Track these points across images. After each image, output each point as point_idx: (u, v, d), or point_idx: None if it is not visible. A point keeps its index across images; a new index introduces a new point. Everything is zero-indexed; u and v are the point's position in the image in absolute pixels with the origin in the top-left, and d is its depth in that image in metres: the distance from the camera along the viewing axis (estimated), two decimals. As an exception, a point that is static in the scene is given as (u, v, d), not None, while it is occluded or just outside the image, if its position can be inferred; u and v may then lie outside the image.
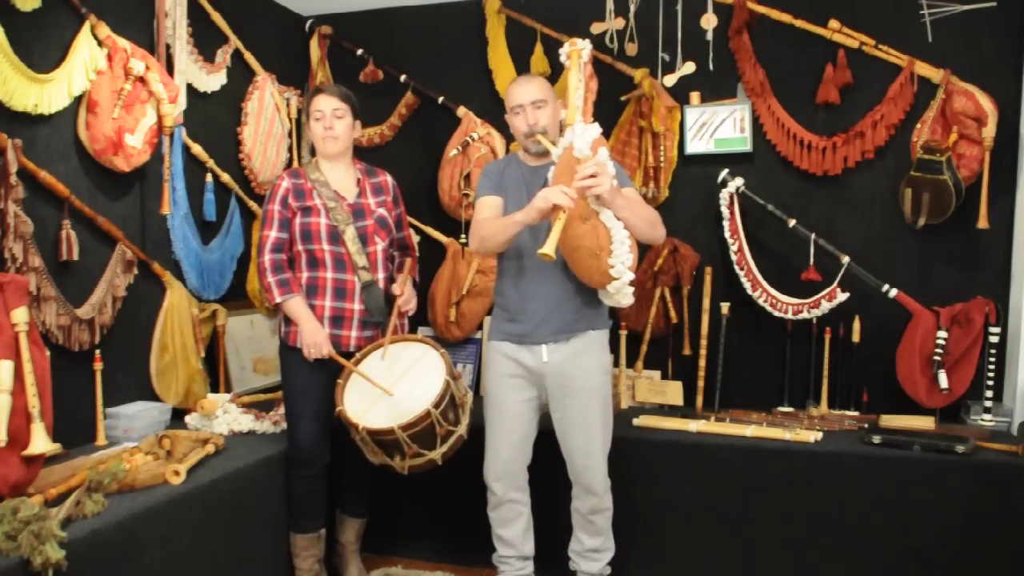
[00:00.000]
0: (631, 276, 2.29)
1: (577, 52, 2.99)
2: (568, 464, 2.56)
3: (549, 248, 2.15)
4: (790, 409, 3.22)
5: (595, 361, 2.50)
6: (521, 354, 2.51)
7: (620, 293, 2.32)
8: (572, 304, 2.46)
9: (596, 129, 2.31)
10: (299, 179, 2.66)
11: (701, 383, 3.25)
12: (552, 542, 2.72)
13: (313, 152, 2.83)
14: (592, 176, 2.19)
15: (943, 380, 2.92)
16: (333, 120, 2.64)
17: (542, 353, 2.48)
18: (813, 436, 2.79)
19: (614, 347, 3.04)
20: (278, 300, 2.58)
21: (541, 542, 2.70)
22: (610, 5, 3.40)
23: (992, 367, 2.88)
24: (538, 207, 2.24)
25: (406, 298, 2.74)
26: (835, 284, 3.07)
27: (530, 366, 2.50)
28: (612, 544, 2.63)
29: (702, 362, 3.25)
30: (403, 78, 3.73)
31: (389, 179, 2.84)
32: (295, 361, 2.63)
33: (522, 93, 2.48)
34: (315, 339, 2.55)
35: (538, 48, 3.53)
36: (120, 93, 2.64)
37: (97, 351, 2.62)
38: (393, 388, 2.52)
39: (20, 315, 2.01)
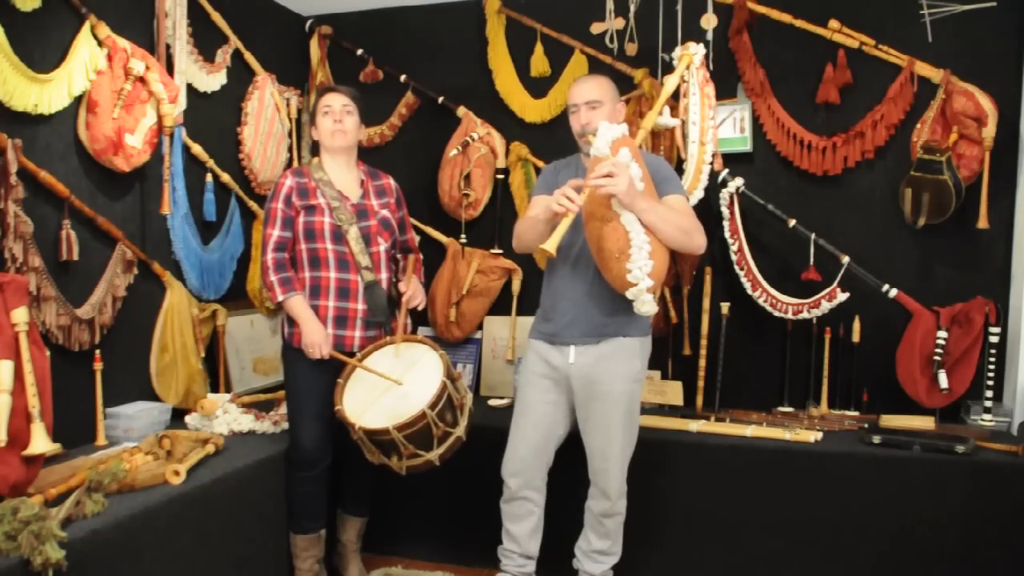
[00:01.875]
0: (649, 283, 2.22)
1: (689, 57, 2.96)
2: (588, 464, 2.57)
3: (549, 245, 2.14)
4: (790, 409, 3.22)
5: (623, 368, 2.46)
6: (551, 354, 2.52)
7: (638, 300, 2.26)
8: (601, 307, 2.44)
9: (620, 129, 2.30)
10: (303, 178, 2.67)
11: (701, 383, 3.25)
12: (560, 541, 2.72)
13: (314, 152, 2.83)
14: (607, 176, 2.17)
15: (943, 380, 2.92)
16: (343, 115, 2.66)
17: (569, 354, 2.48)
18: (813, 436, 2.79)
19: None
20: (280, 298, 2.58)
21: (550, 540, 2.70)
22: (610, 5, 3.40)
23: (992, 367, 2.88)
24: (548, 204, 2.25)
25: (412, 293, 2.73)
26: (835, 284, 3.07)
27: (558, 366, 2.51)
28: (619, 549, 2.63)
29: (702, 362, 3.25)
30: (403, 78, 3.73)
31: (392, 182, 2.84)
32: (298, 362, 2.63)
33: (577, 93, 2.49)
34: (314, 339, 2.55)
35: (538, 48, 3.54)
36: (120, 93, 2.64)
37: (97, 351, 2.62)
38: (392, 389, 2.52)
39: (20, 315, 2.01)
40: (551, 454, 2.60)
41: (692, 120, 2.97)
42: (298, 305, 2.59)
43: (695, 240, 2.40)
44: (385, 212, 2.74)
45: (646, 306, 2.28)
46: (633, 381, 2.50)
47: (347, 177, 2.72)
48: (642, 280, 2.21)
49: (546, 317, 2.55)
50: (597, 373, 2.45)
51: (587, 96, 2.46)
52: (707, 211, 3.33)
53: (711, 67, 3.26)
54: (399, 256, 2.89)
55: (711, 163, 3.04)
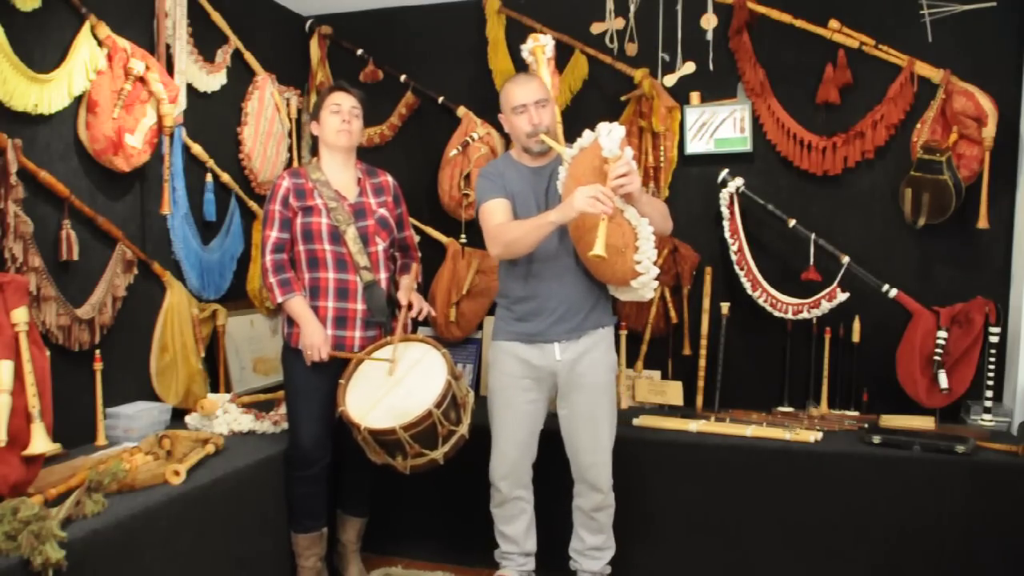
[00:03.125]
0: (656, 271, 2.31)
1: (541, 48, 2.98)
2: (573, 462, 2.57)
3: (600, 249, 2.14)
4: (790, 409, 3.22)
5: (604, 358, 2.53)
6: (531, 353, 2.52)
7: (645, 288, 2.34)
8: (585, 303, 2.49)
9: (622, 129, 2.31)
10: (300, 179, 2.67)
11: (701, 383, 3.25)
12: (552, 541, 2.73)
13: (313, 152, 2.83)
14: (624, 175, 2.21)
15: (943, 380, 2.92)
16: (352, 116, 2.67)
17: (554, 351, 2.49)
18: (813, 436, 2.79)
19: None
20: (280, 300, 2.59)
21: (541, 541, 2.71)
22: (610, 5, 3.40)
23: (992, 367, 2.88)
24: (579, 208, 2.19)
25: (417, 308, 2.73)
26: (835, 284, 3.07)
27: (540, 365, 2.51)
28: (613, 543, 2.64)
29: (702, 362, 3.25)
30: (403, 78, 3.73)
31: (390, 179, 2.84)
32: (298, 362, 2.63)
33: (524, 93, 2.48)
34: (313, 341, 2.55)
35: (538, 48, 3.54)
36: (120, 93, 2.64)
37: (97, 351, 2.62)
38: (395, 389, 2.52)
39: (20, 315, 2.01)
40: (535, 450, 2.62)
41: None
42: (298, 306, 2.59)
43: (668, 223, 2.51)
44: (383, 211, 2.73)
45: (651, 292, 2.38)
46: (613, 371, 2.57)
47: (345, 176, 2.72)
48: (651, 269, 2.29)
49: (522, 318, 2.53)
50: (582, 366, 2.49)
51: (537, 95, 2.47)
52: (707, 211, 3.34)
53: (710, 67, 3.29)
54: (397, 254, 2.89)
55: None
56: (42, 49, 2.48)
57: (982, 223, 2.93)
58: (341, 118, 2.65)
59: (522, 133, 2.50)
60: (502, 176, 2.54)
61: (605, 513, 2.58)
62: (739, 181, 3.22)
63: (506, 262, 2.57)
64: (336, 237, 2.62)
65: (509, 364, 2.55)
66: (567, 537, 2.68)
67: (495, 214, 2.47)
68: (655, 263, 2.31)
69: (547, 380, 2.54)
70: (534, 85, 2.50)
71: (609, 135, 2.27)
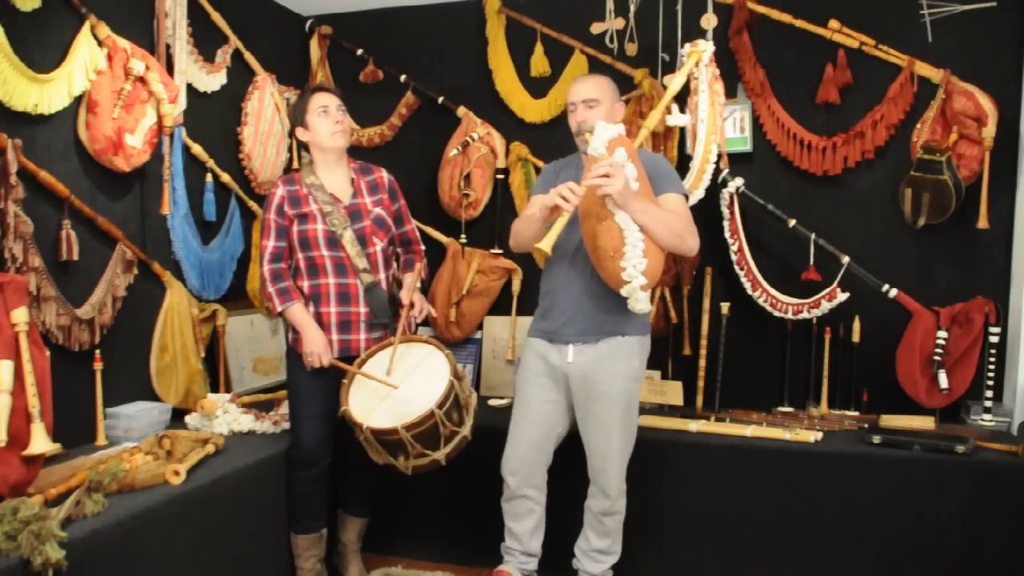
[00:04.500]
0: (643, 281, 2.25)
1: (697, 54, 2.95)
2: (587, 463, 2.57)
3: (544, 244, 2.14)
4: (790, 409, 3.22)
5: (622, 367, 2.47)
6: (550, 352, 2.52)
7: (632, 298, 2.29)
8: (599, 306, 2.45)
9: (616, 129, 2.29)
10: (294, 185, 2.66)
11: (701, 383, 3.25)
12: (561, 540, 2.72)
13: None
14: (604, 176, 2.18)
15: (943, 380, 2.92)
16: (341, 114, 2.66)
17: (568, 353, 2.49)
18: (813, 436, 2.79)
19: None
20: (279, 308, 2.59)
21: (550, 540, 2.70)
22: (610, 5, 3.40)
23: (992, 367, 2.88)
24: (546, 202, 2.25)
25: (419, 308, 2.70)
26: (835, 284, 3.07)
27: (556, 365, 2.51)
28: (619, 548, 2.63)
29: (702, 362, 3.25)
30: (403, 78, 3.74)
31: (385, 175, 2.82)
32: (302, 363, 2.62)
33: (575, 91, 2.51)
34: (314, 348, 2.55)
35: (538, 48, 3.53)
36: (120, 93, 2.64)
37: (97, 351, 2.62)
38: (398, 389, 2.52)
39: (20, 315, 2.01)
40: (550, 452, 2.61)
41: (700, 118, 2.97)
42: (298, 314, 2.59)
43: (687, 242, 2.40)
44: (379, 210, 2.72)
45: (640, 304, 2.30)
46: (631, 380, 2.51)
47: (338, 178, 2.70)
48: (636, 278, 2.24)
49: (544, 315, 2.56)
50: (595, 372, 2.46)
51: (584, 95, 2.48)
52: (707, 211, 3.33)
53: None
54: (399, 251, 2.88)
55: (716, 162, 3.03)
56: (42, 49, 2.48)
57: (982, 223, 2.93)
58: (333, 119, 2.64)
59: (572, 131, 2.53)
60: (557, 174, 2.60)
61: (613, 519, 2.58)
62: (739, 181, 3.22)
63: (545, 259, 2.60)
64: (333, 242, 2.61)
65: (532, 360, 2.57)
66: (573, 538, 2.67)
67: (527, 208, 2.56)
68: (647, 273, 2.24)
69: (563, 381, 2.53)
70: (586, 85, 2.51)
71: (599, 134, 2.26)
